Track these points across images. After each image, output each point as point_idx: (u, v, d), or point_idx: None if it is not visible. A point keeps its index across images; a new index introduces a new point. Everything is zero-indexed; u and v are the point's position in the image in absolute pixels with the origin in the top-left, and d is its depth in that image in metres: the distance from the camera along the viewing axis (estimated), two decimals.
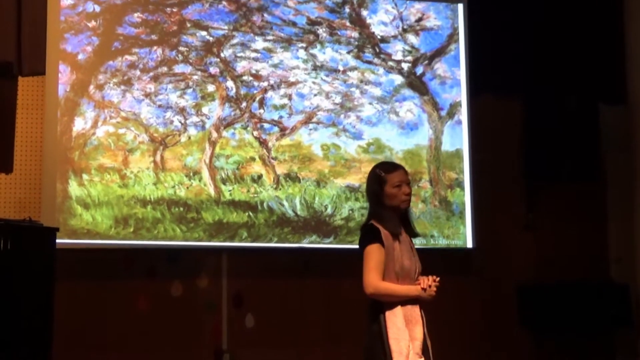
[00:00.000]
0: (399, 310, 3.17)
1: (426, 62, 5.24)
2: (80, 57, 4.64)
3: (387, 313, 3.17)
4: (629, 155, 5.56)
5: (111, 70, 4.68)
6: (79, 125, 4.59)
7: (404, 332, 3.14)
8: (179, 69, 4.80)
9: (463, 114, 5.24)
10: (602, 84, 5.65)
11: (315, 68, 5.02)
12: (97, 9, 4.70)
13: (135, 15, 4.76)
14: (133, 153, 4.67)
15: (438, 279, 3.17)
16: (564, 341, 5.14)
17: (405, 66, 5.19)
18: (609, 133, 5.77)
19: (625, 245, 5.57)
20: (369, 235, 3.26)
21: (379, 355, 3.12)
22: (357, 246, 4.96)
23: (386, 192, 3.27)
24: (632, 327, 5.39)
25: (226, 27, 4.90)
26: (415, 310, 3.18)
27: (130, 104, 4.69)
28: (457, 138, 5.22)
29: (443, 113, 5.23)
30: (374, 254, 3.23)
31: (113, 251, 4.61)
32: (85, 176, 4.56)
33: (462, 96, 5.25)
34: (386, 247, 3.21)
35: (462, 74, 5.27)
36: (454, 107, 5.24)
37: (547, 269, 5.31)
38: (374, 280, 3.21)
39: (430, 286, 3.13)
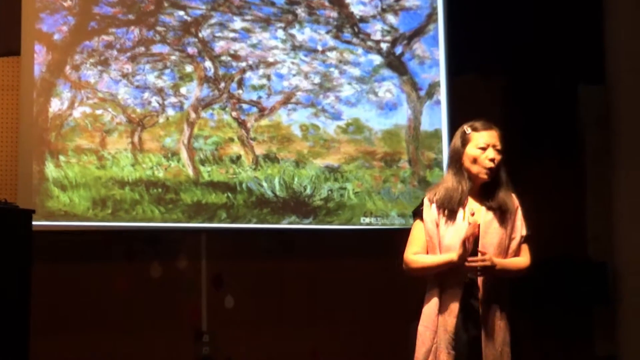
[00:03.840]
0: (435, 294, 2.89)
1: (405, 42, 5.22)
2: (56, 37, 4.58)
3: (426, 296, 2.93)
4: (607, 134, 5.59)
5: (88, 51, 4.63)
6: (55, 106, 4.55)
7: (432, 321, 2.88)
8: (156, 49, 4.75)
9: (442, 94, 5.24)
10: (581, 64, 5.68)
11: (294, 48, 4.99)
12: None
13: None
14: (110, 134, 4.63)
15: (488, 256, 2.82)
16: (542, 318, 5.17)
17: (384, 46, 5.17)
18: (588, 112, 5.80)
19: (603, 224, 5.62)
20: (415, 210, 3.05)
21: (412, 340, 2.93)
22: (336, 226, 4.98)
23: (467, 152, 2.93)
24: (609, 304, 5.44)
25: (204, 7, 4.85)
26: (453, 300, 2.85)
27: (107, 85, 4.65)
28: (436, 118, 5.22)
29: (422, 93, 5.22)
30: (412, 231, 3.01)
31: (91, 233, 4.58)
32: (62, 157, 4.53)
33: (441, 76, 5.25)
34: (427, 222, 2.94)
35: (441, 54, 5.26)
36: (432, 87, 5.24)
37: None
38: (405, 254, 2.98)
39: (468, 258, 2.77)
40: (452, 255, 2.84)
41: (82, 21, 4.64)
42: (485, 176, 2.93)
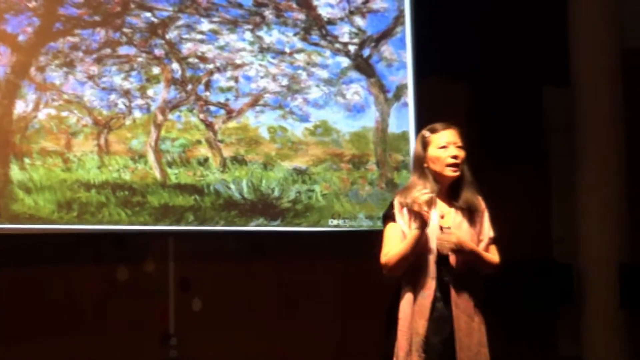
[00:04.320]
0: (407, 297, 2.88)
1: (373, 44, 5.24)
2: (20, 38, 4.52)
3: (397, 298, 2.91)
4: (571, 136, 5.66)
5: (53, 52, 4.58)
6: (20, 108, 4.48)
7: (408, 324, 2.87)
8: (123, 50, 4.72)
9: (409, 97, 5.27)
10: (546, 67, 5.74)
11: (262, 50, 4.99)
12: None
13: None
14: (76, 136, 4.58)
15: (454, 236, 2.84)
16: (507, 318, 5.22)
17: (352, 48, 5.19)
18: (553, 115, 5.87)
19: (568, 225, 5.69)
20: (385, 213, 3.03)
21: (391, 345, 2.89)
22: (304, 228, 4.98)
23: (429, 155, 2.95)
24: (573, 305, 5.52)
25: (171, 9, 4.83)
26: (424, 302, 2.84)
27: (73, 87, 4.60)
28: (404, 120, 5.25)
29: (389, 95, 5.25)
30: (386, 233, 2.97)
31: (56, 236, 4.53)
32: (27, 160, 4.47)
33: (409, 79, 5.27)
34: (401, 224, 2.92)
35: (408, 56, 5.29)
36: (400, 90, 5.27)
37: None
38: (381, 257, 2.94)
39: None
40: (413, 231, 2.85)
41: (47, 22, 4.59)
42: (451, 173, 2.94)
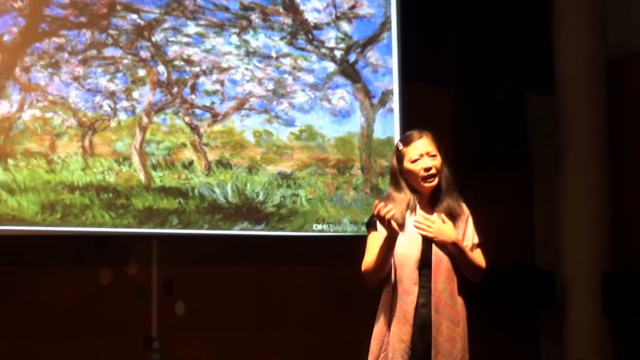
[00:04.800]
0: (388, 303, 2.89)
1: (359, 49, 5.26)
2: (5, 38, 4.50)
3: (381, 304, 2.92)
4: (555, 144, 5.70)
5: (38, 53, 4.56)
6: (4, 108, 4.46)
7: (380, 331, 2.88)
8: (108, 52, 4.70)
9: (395, 102, 5.28)
10: (530, 75, 5.78)
11: (248, 54, 4.99)
12: None
13: None
14: (61, 138, 4.56)
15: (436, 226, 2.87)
16: (490, 323, 5.24)
17: (338, 53, 5.20)
18: (537, 121, 5.91)
19: (551, 232, 5.72)
20: (367, 221, 3.03)
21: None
22: (288, 233, 4.97)
23: (404, 169, 2.95)
24: (556, 311, 5.54)
25: (158, 11, 4.82)
26: (407, 308, 2.84)
27: (57, 88, 4.58)
28: (389, 126, 5.26)
29: (375, 101, 5.26)
30: (367, 241, 2.99)
31: (39, 238, 4.51)
32: (10, 161, 4.45)
33: (394, 84, 5.29)
34: (381, 233, 2.88)
35: (394, 62, 5.30)
36: (385, 95, 5.28)
37: None
38: (363, 261, 2.95)
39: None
40: (385, 235, 2.83)
41: (32, 22, 4.57)
42: (427, 184, 2.95)
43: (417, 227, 2.92)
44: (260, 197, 4.94)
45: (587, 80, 5.58)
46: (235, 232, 4.87)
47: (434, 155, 2.95)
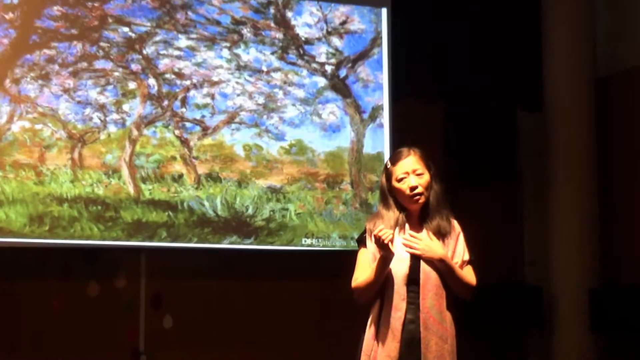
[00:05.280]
0: (375, 319, 2.89)
1: (349, 65, 5.27)
2: None
3: (369, 320, 2.92)
4: (544, 160, 5.72)
5: (28, 64, 4.56)
6: None
7: (370, 345, 2.88)
8: (99, 64, 4.71)
9: (385, 118, 5.29)
10: (520, 92, 5.82)
11: (239, 68, 5.00)
12: (15, 0, 4.57)
13: (55, 8, 4.64)
14: (50, 149, 4.55)
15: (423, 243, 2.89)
16: (478, 339, 5.24)
17: (328, 68, 5.22)
18: (526, 138, 5.93)
19: (540, 249, 5.73)
20: (358, 237, 3.05)
21: None
22: (277, 247, 4.97)
23: (393, 187, 2.96)
24: (544, 327, 5.55)
25: (149, 24, 4.83)
26: (395, 324, 2.84)
27: (47, 99, 4.58)
28: (379, 141, 5.28)
29: (365, 116, 5.27)
30: (357, 258, 3.00)
31: (27, 250, 4.49)
32: None
33: (384, 100, 5.31)
34: (370, 251, 2.93)
35: (384, 78, 5.32)
36: (375, 111, 5.30)
37: None
38: (353, 278, 2.95)
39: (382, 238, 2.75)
40: (379, 254, 2.85)
41: (23, 34, 4.57)
42: (414, 203, 2.96)
43: (405, 244, 2.92)
44: (250, 211, 4.93)
45: (576, 98, 5.61)
46: (224, 245, 4.86)
47: (420, 174, 2.95)
